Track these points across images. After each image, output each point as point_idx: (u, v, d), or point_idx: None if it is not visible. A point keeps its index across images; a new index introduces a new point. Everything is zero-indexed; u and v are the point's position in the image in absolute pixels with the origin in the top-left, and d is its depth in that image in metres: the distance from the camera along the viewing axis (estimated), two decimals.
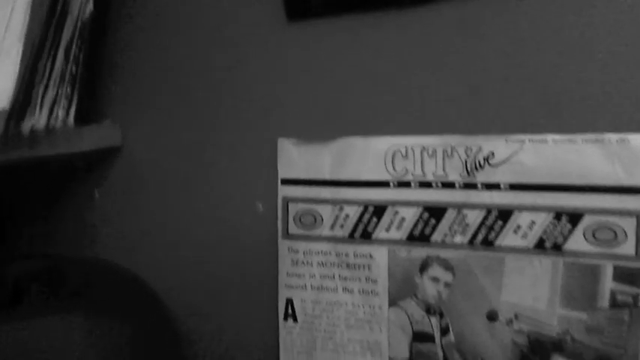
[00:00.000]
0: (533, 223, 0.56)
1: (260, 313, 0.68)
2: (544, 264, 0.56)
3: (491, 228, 0.58)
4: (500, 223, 0.57)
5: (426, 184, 0.60)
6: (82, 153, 0.67)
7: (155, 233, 0.72)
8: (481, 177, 0.58)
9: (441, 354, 0.61)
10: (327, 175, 0.63)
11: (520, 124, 0.56)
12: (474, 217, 0.58)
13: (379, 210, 0.62)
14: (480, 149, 0.57)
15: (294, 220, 0.65)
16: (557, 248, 0.55)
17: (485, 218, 0.58)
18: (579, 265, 0.55)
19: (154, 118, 0.71)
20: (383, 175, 0.61)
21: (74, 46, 0.64)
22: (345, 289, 0.64)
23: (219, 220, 0.69)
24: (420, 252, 0.60)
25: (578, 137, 0.54)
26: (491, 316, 0.58)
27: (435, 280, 0.60)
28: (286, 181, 0.65)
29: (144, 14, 0.71)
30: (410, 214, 0.61)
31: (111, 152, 0.72)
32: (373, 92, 0.61)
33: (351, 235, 0.63)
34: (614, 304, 0.54)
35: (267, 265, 0.67)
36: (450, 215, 0.59)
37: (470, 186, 0.58)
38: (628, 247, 0.53)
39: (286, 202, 0.65)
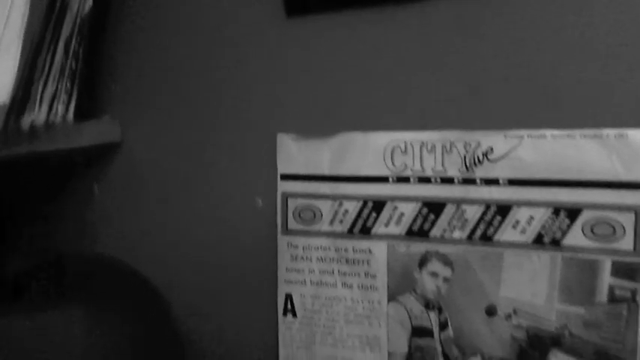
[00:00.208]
0: (531, 218, 0.56)
1: (259, 309, 0.68)
2: (542, 259, 0.56)
3: (490, 223, 0.58)
4: (498, 218, 0.57)
5: (425, 180, 0.60)
6: (82, 149, 0.67)
7: (154, 229, 0.72)
8: (480, 172, 0.58)
9: (439, 349, 0.61)
10: (326, 171, 0.63)
11: (519, 119, 0.56)
12: (472, 213, 0.58)
13: (378, 205, 0.62)
14: (478, 144, 0.58)
15: (293, 215, 0.65)
16: (556, 243, 0.56)
17: (484, 213, 0.58)
18: (578, 260, 0.55)
19: (153, 113, 0.71)
20: (382, 170, 0.61)
21: (74, 42, 0.64)
22: (344, 285, 0.64)
23: (219, 215, 0.69)
24: (419, 247, 0.61)
25: (577, 132, 0.54)
26: (490, 311, 0.58)
27: (434, 275, 0.60)
28: (286, 177, 0.65)
29: (144, 10, 0.71)
30: (409, 210, 0.61)
31: (110, 148, 0.72)
32: (372, 88, 0.61)
33: (351, 231, 0.63)
34: (613, 299, 0.54)
35: (266, 261, 0.67)
36: (448, 210, 0.59)
37: (469, 181, 0.58)
38: (626, 242, 0.53)
39: (285, 197, 0.66)
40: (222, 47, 0.67)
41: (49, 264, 0.57)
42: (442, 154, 0.59)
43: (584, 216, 0.54)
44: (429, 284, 0.61)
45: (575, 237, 0.55)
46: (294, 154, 0.65)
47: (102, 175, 0.74)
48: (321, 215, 0.64)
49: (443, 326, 0.60)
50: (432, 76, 0.59)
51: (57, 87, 0.62)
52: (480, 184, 0.58)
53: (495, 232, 0.58)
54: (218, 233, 0.69)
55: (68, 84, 0.64)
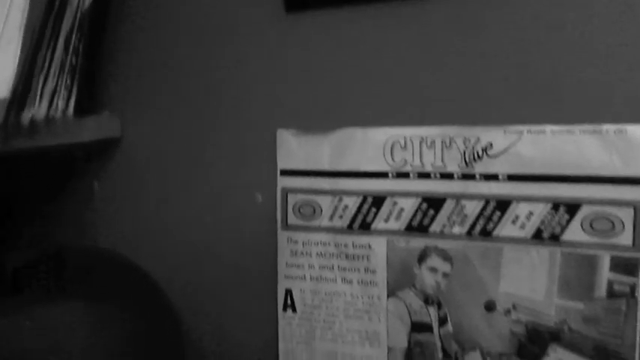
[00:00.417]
0: (531, 213, 0.56)
1: (259, 304, 0.68)
2: (542, 254, 0.56)
3: (489, 218, 0.58)
4: (498, 213, 0.58)
5: (424, 175, 0.60)
6: (82, 144, 0.67)
7: (154, 224, 0.72)
8: (479, 168, 0.58)
9: (439, 344, 0.61)
10: (326, 166, 0.64)
11: (518, 115, 0.56)
12: (472, 208, 0.58)
13: (378, 200, 0.62)
14: (478, 140, 0.58)
15: (293, 210, 0.66)
16: (555, 238, 0.56)
17: (483, 209, 0.58)
18: (577, 256, 0.55)
19: (153, 109, 0.71)
20: (382, 165, 0.61)
21: (74, 37, 0.64)
22: (344, 280, 0.64)
23: (219, 211, 0.69)
24: (418, 242, 0.61)
25: (576, 128, 0.54)
26: (489, 306, 0.58)
27: (434, 270, 0.60)
28: (285, 172, 0.65)
29: (144, 7, 0.71)
30: (409, 205, 0.61)
31: (110, 143, 0.72)
32: (372, 83, 0.61)
33: (350, 226, 0.63)
34: (611, 294, 0.54)
35: (266, 256, 0.67)
36: (448, 206, 0.59)
37: (468, 177, 0.58)
38: (625, 238, 0.53)
39: (285, 192, 0.66)
40: (221, 43, 0.67)
41: (49, 257, 0.57)
42: (442, 149, 0.59)
43: (584, 211, 0.55)
44: (428, 279, 0.61)
45: (575, 232, 0.55)
46: (294, 149, 0.65)
47: (102, 171, 0.74)
48: (321, 211, 0.64)
49: (442, 321, 0.61)
50: (431, 71, 0.59)
51: (57, 82, 0.62)
52: (480, 179, 0.58)
53: (495, 227, 0.58)
54: (218, 229, 0.69)
55: (68, 79, 0.64)
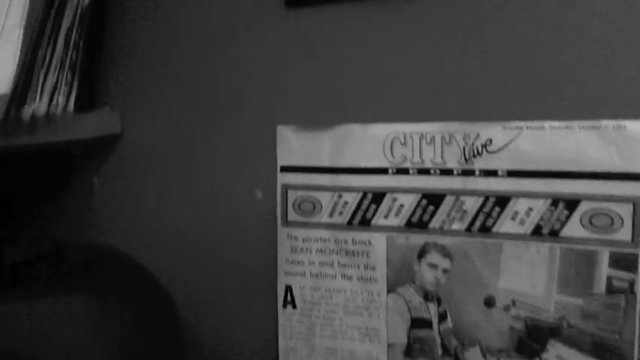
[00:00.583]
0: (530, 209, 0.56)
1: (259, 300, 0.68)
2: (541, 250, 0.56)
3: (488, 214, 0.58)
4: (497, 209, 0.58)
5: (424, 171, 0.60)
6: (82, 140, 0.67)
7: (154, 220, 0.72)
8: (479, 164, 0.58)
9: (438, 340, 0.61)
10: (326, 162, 0.64)
11: (518, 111, 0.56)
12: (471, 204, 0.59)
13: (378, 197, 0.62)
14: (477, 136, 0.58)
15: (293, 207, 0.66)
16: (554, 234, 0.56)
17: (482, 205, 0.58)
18: (576, 252, 0.55)
19: (153, 105, 0.71)
20: (381, 162, 0.61)
21: (74, 34, 0.64)
22: (343, 276, 0.64)
23: (219, 207, 0.69)
24: (418, 239, 0.61)
25: (575, 124, 0.54)
26: (489, 302, 0.59)
27: (433, 266, 0.60)
28: (285, 169, 0.66)
29: (144, 3, 0.71)
30: (408, 201, 0.61)
31: (110, 140, 0.73)
32: (372, 79, 0.61)
33: (350, 222, 0.63)
34: (610, 289, 0.54)
35: (266, 253, 0.68)
36: (448, 202, 0.59)
37: (468, 173, 0.58)
38: (624, 233, 0.53)
39: (285, 189, 0.66)
40: (222, 39, 0.67)
41: (49, 253, 0.57)
42: (441, 145, 0.59)
43: (583, 207, 0.55)
44: (428, 276, 0.61)
45: (574, 228, 0.55)
46: (294, 145, 0.65)
47: (102, 167, 0.74)
48: (321, 207, 0.64)
49: (442, 317, 0.61)
50: (431, 68, 0.59)
51: (57, 78, 0.63)
52: (479, 175, 0.58)
53: (494, 223, 0.58)
54: (218, 225, 0.69)
55: (69, 76, 0.64)
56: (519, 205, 0.57)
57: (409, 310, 0.62)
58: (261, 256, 0.68)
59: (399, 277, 0.62)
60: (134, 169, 0.73)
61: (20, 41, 0.60)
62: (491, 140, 0.57)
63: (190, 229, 0.71)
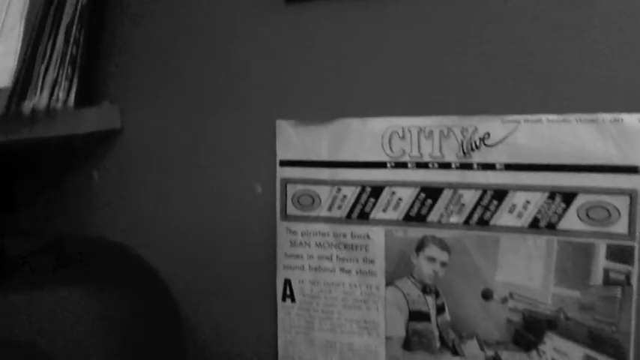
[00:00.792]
0: (527, 202, 0.57)
1: (258, 294, 0.69)
2: (538, 243, 0.57)
3: (486, 208, 0.58)
4: (495, 202, 0.58)
5: (422, 165, 0.60)
6: (82, 135, 0.68)
7: (153, 215, 0.73)
8: (477, 157, 0.58)
9: (436, 332, 0.61)
10: (325, 157, 0.64)
11: (515, 104, 0.57)
12: (469, 197, 0.59)
13: (376, 191, 0.62)
14: (475, 130, 0.58)
15: (292, 201, 0.66)
16: (552, 227, 0.56)
17: (480, 198, 0.58)
18: (573, 244, 0.56)
19: (153, 100, 0.71)
20: (380, 156, 0.62)
21: (74, 29, 0.65)
22: (342, 270, 0.65)
23: (218, 202, 0.69)
24: (416, 232, 0.61)
25: (573, 117, 0.55)
26: (487, 295, 0.59)
27: (431, 259, 0.61)
28: (284, 163, 0.66)
29: None
30: (407, 195, 0.61)
31: (110, 135, 0.73)
32: (370, 74, 0.62)
33: (349, 216, 0.64)
34: (607, 282, 0.55)
35: (265, 246, 0.68)
36: (446, 195, 0.60)
37: (466, 166, 0.59)
38: (621, 226, 0.54)
39: (284, 183, 0.66)
40: (221, 34, 0.68)
41: (49, 245, 0.58)
42: (439, 139, 0.60)
43: (580, 200, 0.55)
44: (426, 269, 0.61)
45: (571, 221, 0.56)
46: (293, 140, 0.65)
47: (102, 162, 0.74)
48: (320, 201, 0.65)
49: (440, 310, 0.61)
50: (429, 62, 0.60)
51: (58, 73, 0.63)
52: (477, 169, 0.58)
53: (492, 216, 0.58)
54: (217, 219, 0.70)
55: (69, 70, 0.64)
56: (517, 199, 0.57)
57: (407, 303, 0.62)
58: (260, 250, 0.68)
59: (397, 271, 0.62)
60: (134, 164, 0.73)
61: (21, 36, 0.60)
62: (489, 134, 0.58)
63: (189, 223, 0.71)
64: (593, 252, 0.55)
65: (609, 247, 0.54)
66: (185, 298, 0.71)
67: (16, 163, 0.79)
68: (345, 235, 0.64)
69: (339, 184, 0.64)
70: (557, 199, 0.56)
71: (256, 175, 0.67)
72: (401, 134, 0.61)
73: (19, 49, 0.59)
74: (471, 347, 0.60)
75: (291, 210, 0.66)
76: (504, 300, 0.58)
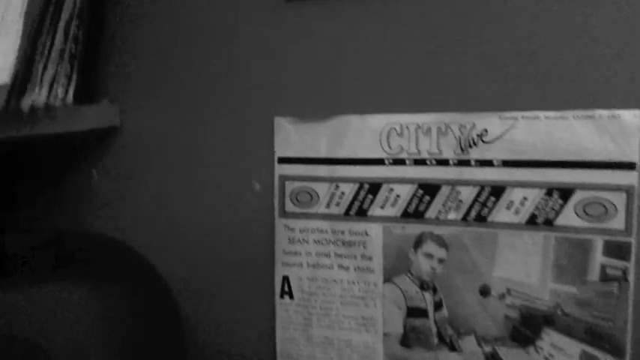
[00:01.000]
0: (525, 199, 0.57)
1: (257, 291, 0.69)
2: (536, 239, 0.57)
3: (484, 204, 0.59)
4: (493, 199, 0.58)
5: (420, 162, 0.61)
6: (81, 132, 0.68)
7: (152, 212, 0.73)
8: (475, 154, 0.58)
9: (434, 329, 0.62)
10: (323, 153, 0.64)
11: (513, 101, 0.57)
12: (467, 194, 0.59)
13: (374, 187, 0.62)
14: (473, 126, 0.58)
15: (290, 198, 0.66)
16: (549, 223, 0.56)
17: (478, 194, 0.59)
18: (570, 240, 0.56)
19: (152, 98, 0.71)
20: (378, 152, 0.62)
21: (73, 25, 0.65)
22: (340, 267, 0.65)
23: (217, 199, 0.70)
24: (414, 228, 0.61)
25: (570, 114, 0.55)
26: (484, 291, 0.59)
27: (429, 256, 0.61)
28: (283, 160, 0.66)
29: None
30: (405, 191, 0.61)
31: (109, 132, 0.73)
32: (369, 71, 0.62)
33: (347, 213, 0.64)
34: (604, 277, 0.55)
35: (263, 243, 0.68)
36: (444, 192, 0.60)
37: (464, 163, 0.59)
38: (618, 222, 0.54)
39: (283, 180, 0.66)
40: (221, 32, 0.68)
41: (49, 241, 0.58)
42: (437, 136, 0.60)
43: (577, 196, 0.55)
44: (424, 265, 0.61)
45: (568, 217, 0.56)
46: (292, 137, 0.65)
47: (101, 159, 0.74)
48: (318, 198, 0.65)
49: (437, 306, 0.61)
50: (427, 59, 0.60)
51: (57, 70, 0.63)
52: (475, 165, 0.59)
53: (489, 213, 0.58)
54: (216, 216, 0.70)
55: (68, 67, 0.64)
56: (514, 195, 0.57)
57: (405, 299, 0.62)
58: (258, 246, 0.68)
59: (395, 267, 0.63)
60: (133, 162, 0.73)
61: (20, 33, 0.60)
62: (486, 130, 0.58)
63: (188, 219, 0.71)
64: (591, 248, 0.55)
65: (606, 243, 0.55)
66: (183, 294, 0.71)
67: (16, 163, 0.79)
68: (343, 232, 0.64)
69: (337, 180, 0.64)
70: (555, 195, 0.56)
71: (255, 172, 0.68)
72: (399, 131, 0.61)
73: (18, 45, 0.59)
74: (468, 343, 0.60)
75: (290, 207, 0.66)
76: (502, 296, 0.58)
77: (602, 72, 0.54)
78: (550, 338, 0.57)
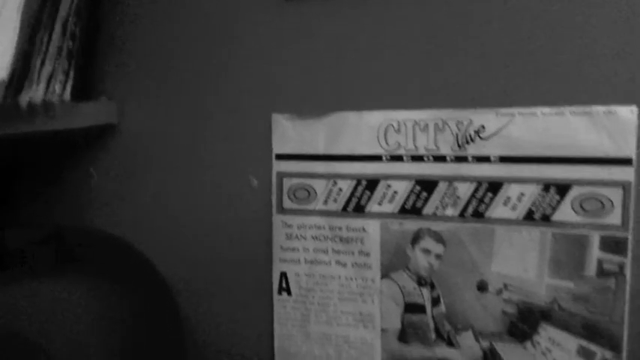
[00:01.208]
0: (522, 194, 0.57)
1: (255, 287, 0.69)
2: (533, 235, 0.57)
3: (481, 200, 0.59)
4: (490, 195, 0.58)
5: (418, 158, 0.61)
6: (79, 129, 0.67)
7: (150, 209, 0.73)
8: (472, 150, 0.59)
9: (432, 324, 0.62)
10: (321, 150, 0.64)
11: (509, 97, 0.57)
12: (464, 190, 0.59)
13: (372, 184, 0.63)
14: (470, 122, 0.58)
15: (288, 194, 0.66)
16: (546, 219, 0.57)
17: (475, 190, 0.59)
18: (567, 236, 0.56)
19: (150, 95, 0.71)
20: (376, 149, 0.62)
21: (70, 22, 0.64)
22: (338, 263, 0.65)
23: (214, 195, 0.70)
24: (411, 224, 0.62)
25: (567, 110, 0.55)
26: (482, 287, 0.59)
27: (427, 252, 0.61)
28: (280, 156, 0.66)
29: None
30: (402, 188, 0.62)
31: (107, 129, 0.73)
32: (366, 68, 0.62)
33: (345, 209, 0.64)
34: (601, 272, 0.55)
35: (261, 240, 0.68)
36: (441, 188, 0.60)
37: (461, 159, 0.59)
38: (614, 217, 0.54)
39: (280, 177, 0.66)
40: (220, 30, 0.68)
41: (49, 236, 0.58)
42: (435, 132, 0.60)
43: (574, 192, 0.56)
44: (421, 261, 0.61)
45: (565, 212, 0.56)
46: (289, 133, 0.65)
47: (99, 157, 0.74)
48: (316, 194, 0.65)
49: (435, 302, 0.61)
50: (425, 56, 0.60)
51: (54, 66, 0.63)
52: (472, 161, 0.59)
53: (487, 208, 0.59)
54: (214, 213, 0.70)
55: (65, 64, 0.64)
56: (511, 191, 0.58)
57: (403, 295, 0.63)
58: (256, 243, 0.68)
59: (392, 263, 0.63)
60: (131, 159, 0.73)
61: (17, 29, 0.60)
62: (483, 127, 0.58)
63: (186, 216, 0.71)
64: (587, 243, 0.55)
65: (603, 239, 0.55)
66: (181, 291, 0.71)
67: (15, 161, 0.79)
68: (340, 228, 0.64)
69: (334, 177, 0.64)
70: (552, 191, 0.56)
71: (252, 168, 0.68)
72: (396, 127, 0.61)
73: (15, 42, 0.59)
74: (466, 339, 0.60)
75: (287, 203, 0.66)
76: (499, 291, 0.59)
77: (598, 68, 0.54)
78: (547, 333, 0.57)
